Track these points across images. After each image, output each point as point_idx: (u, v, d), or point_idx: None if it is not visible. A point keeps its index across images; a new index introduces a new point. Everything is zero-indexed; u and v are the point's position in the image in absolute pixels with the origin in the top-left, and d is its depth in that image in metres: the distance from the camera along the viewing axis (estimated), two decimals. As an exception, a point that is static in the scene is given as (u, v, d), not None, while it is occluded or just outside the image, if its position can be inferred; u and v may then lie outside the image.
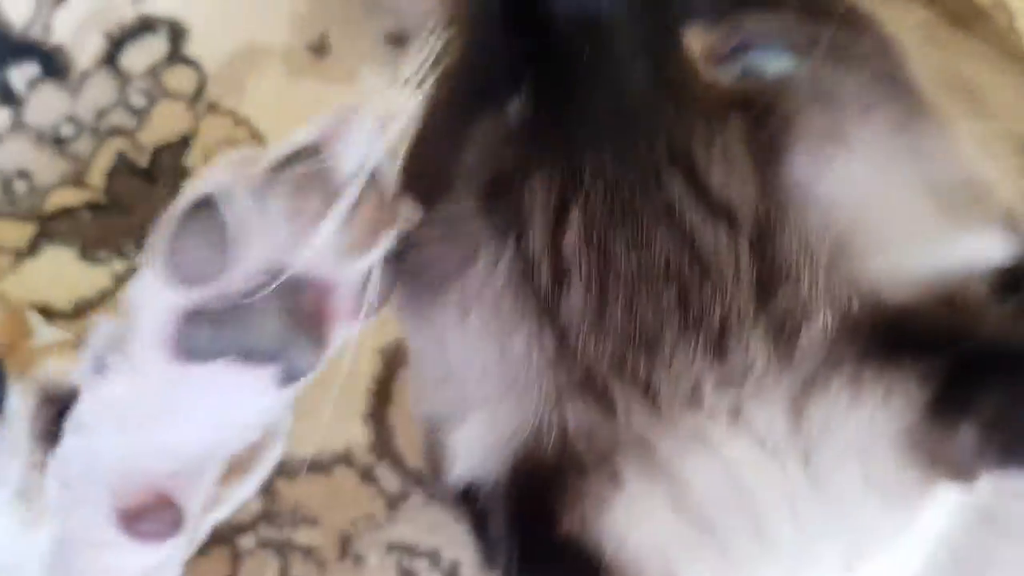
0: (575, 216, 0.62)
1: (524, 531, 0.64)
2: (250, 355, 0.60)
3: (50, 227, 1.22)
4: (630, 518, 0.62)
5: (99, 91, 1.27)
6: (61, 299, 1.19)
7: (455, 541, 1.06)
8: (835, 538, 0.63)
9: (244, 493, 0.74)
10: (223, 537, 1.07)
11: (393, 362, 1.11)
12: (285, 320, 0.61)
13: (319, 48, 1.27)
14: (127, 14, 1.31)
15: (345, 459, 1.09)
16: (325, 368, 0.73)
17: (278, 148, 0.65)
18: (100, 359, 0.66)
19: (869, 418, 0.60)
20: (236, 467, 0.73)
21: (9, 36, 1.30)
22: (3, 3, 1.32)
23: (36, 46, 1.30)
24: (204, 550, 0.94)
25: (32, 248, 1.21)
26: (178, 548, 0.71)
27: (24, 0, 1.32)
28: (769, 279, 0.60)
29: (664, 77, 0.64)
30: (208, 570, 1.06)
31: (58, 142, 1.25)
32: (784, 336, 0.59)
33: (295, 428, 1.00)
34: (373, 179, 0.63)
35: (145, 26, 1.30)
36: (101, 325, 0.67)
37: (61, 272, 1.20)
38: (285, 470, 1.06)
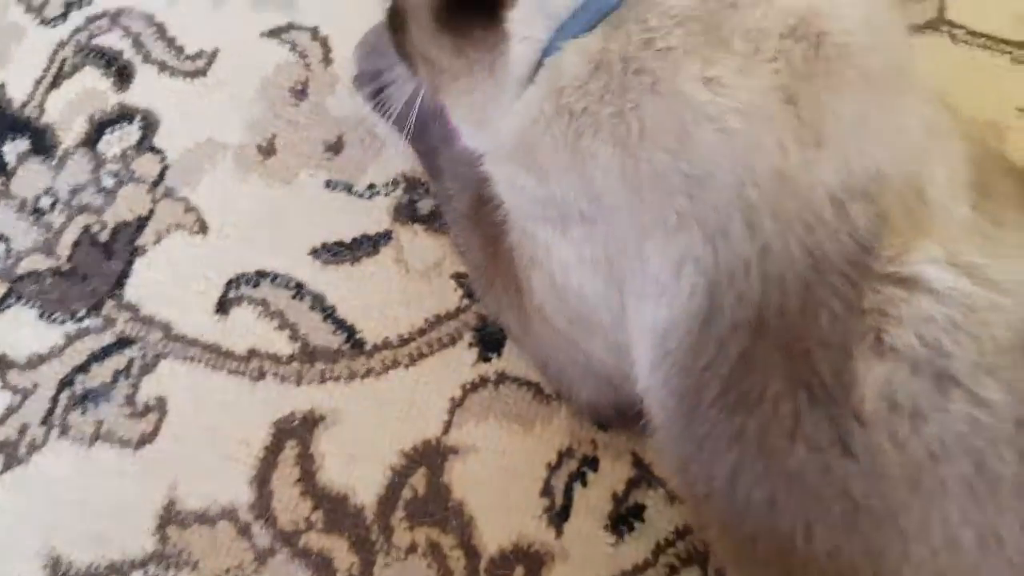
0: None
1: None
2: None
3: (19, 287, 1.43)
4: None
5: (77, 170, 1.51)
6: (18, 352, 1.40)
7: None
8: None
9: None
10: (119, 569, 1.26)
11: (283, 434, 1.32)
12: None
13: (267, 149, 1.49)
14: (111, 101, 1.56)
15: (228, 514, 1.24)
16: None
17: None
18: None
19: None
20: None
21: (8, 112, 1.55)
22: (8, 81, 1.57)
23: (29, 123, 1.55)
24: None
25: (0, 305, 1.41)
26: None
27: (25, 79, 1.58)
28: None
29: None
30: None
31: (36, 213, 1.48)
32: None
33: (190, 482, 1.24)
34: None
35: (124, 114, 1.54)
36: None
37: (21, 328, 1.41)
38: (178, 519, 1.28)
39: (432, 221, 1.42)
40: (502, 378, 1.29)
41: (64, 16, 1.63)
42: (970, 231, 0.83)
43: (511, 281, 1.13)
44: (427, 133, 1.34)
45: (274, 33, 1.58)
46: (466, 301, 1.34)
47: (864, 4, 0.87)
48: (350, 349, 1.32)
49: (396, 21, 1.07)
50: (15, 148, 1.53)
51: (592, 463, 1.24)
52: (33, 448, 1.31)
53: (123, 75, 1.57)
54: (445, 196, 1.35)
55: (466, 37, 0.95)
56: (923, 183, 0.83)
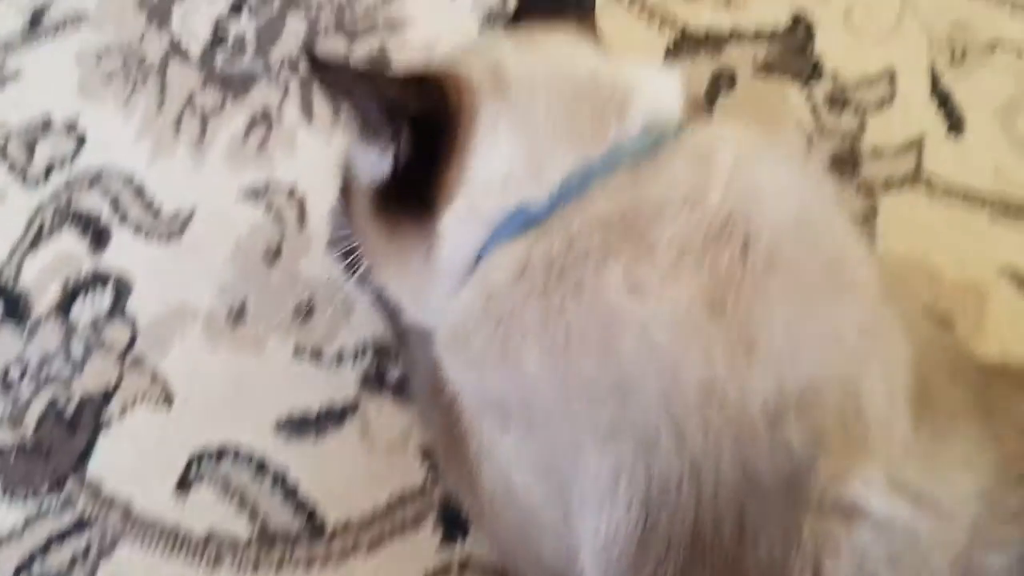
0: None
1: None
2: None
3: (-16, 462, 1.38)
4: None
5: (48, 338, 1.51)
6: (-20, 529, 1.35)
7: None
8: None
9: None
10: None
11: None
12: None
13: (237, 315, 1.48)
14: (85, 266, 1.56)
15: None
16: None
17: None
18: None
19: None
20: None
21: (-17, 278, 1.52)
22: (-15, 246, 1.55)
23: (5, 289, 1.55)
24: None
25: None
26: None
27: (2, 243, 1.59)
28: None
29: None
30: None
31: (5, 383, 1.47)
32: None
33: None
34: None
35: (97, 278, 1.54)
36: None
37: (-16, 505, 1.36)
38: None
39: (400, 391, 1.40)
40: (467, 565, 1.26)
41: (46, 177, 1.66)
42: (911, 449, 0.81)
43: (467, 466, 1.09)
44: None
45: (251, 193, 1.58)
46: (431, 478, 1.32)
47: (796, 197, 0.87)
48: (309, 533, 1.30)
49: (346, 188, 1.09)
50: (-12, 315, 1.48)
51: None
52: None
53: (99, 238, 1.58)
54: (412, 365, 1.34)
55: (400, 228, 0.98)
56: (861, 396, 0.80)
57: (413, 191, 0.94)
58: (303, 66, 1.69)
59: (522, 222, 0.90)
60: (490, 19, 1.67)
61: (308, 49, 1.67)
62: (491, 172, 0.91)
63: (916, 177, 1.48)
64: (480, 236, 0.92)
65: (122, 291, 1.53)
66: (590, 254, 0.83)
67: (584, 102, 0.92)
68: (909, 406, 0.83)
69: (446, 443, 1.17)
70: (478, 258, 0.93)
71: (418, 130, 0.93)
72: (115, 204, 1.59)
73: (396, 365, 1.41)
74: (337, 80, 0.94)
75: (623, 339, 0.80)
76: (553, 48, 0.99)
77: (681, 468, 0.79)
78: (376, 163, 0.97)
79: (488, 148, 0.91)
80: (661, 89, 0.97)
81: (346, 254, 1.27)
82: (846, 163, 1.50)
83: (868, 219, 1.43)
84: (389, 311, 1.38)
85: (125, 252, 1.56)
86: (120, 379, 1.46)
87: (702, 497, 0.79)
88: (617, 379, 0.81)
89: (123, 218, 1.57)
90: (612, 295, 0.81)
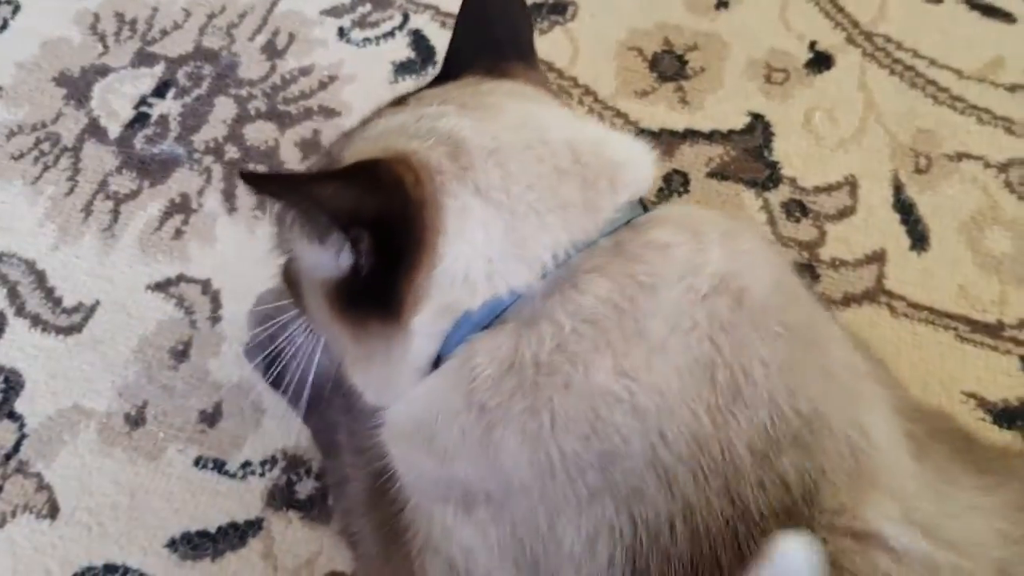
0: None
1: None
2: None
3: None
4: None
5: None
6: None
7: None
8: None
9: None
10: None
11: None
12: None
13: (136, 419, 1.37)
14: (-26, 361, 1.40)
15: None
16: None
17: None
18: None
19: None
20: None
21: None
22: None
23: None
24: None
25: None
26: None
27: None
28: None
29: None
30: None
31: None
32: None
33: None
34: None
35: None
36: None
37: None
38: None
39: (310, 508, 1.30)
40: None
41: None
42: (921, 487, 0.82)
43: (407, 566, 1.02)
44: (326, 407, 1.25)
45: (161, 286, 1.49)
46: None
47: (773, 269, 0.89)
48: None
49: (290, 279, 1.03)
50: None
51: None
52: None
53: (-8, 329, 1.42)
54: (340, 476, 1.24)
55: (363, 323, 0.91)
56: (864, 428, 0.82)
57: (377, 293, 0.87)
58: (228, 152, 1.61)
59: (496, 309, 0.86)
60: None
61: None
62: (467, 266, 0.85)
63: (877, 292, 1.42)
64: (450, 324, 0.88)
65: (12, 388, 1.43)
66: (579, 355, 0.82)
67: (569, 176, 0.88)
68: (908, 443, 0.85)
69: (380, 552, 1.11)
70: (451, 345, 0.88)
71: (377, 233, 0.85)
72: (13, 293, 1.50)
73: (309, 478, 1.28)
74: (279, 192, 0.88)
75: (611, 413, 0.80)
76: (511, 110, 0.92)
77: (671, 510, 0.79)
78: (329, 263, 0.90)
79: (460, 240, 0.85)
80: (642, 160, 0.94)
81: (268, 363, 1.23)
82: (804, 274, 1.43)
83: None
84: (320, 421, 1.31)
85: (19, 346, 1.47)
86: (1, 486, 1.35)
87: (697, 535, 0.79)
88: (601, 449, 0.80)
89: (19, 309, 1.48)
90: (600, 380, 0.81)
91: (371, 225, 0.85)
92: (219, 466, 1.31)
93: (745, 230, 0.91)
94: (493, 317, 0.86)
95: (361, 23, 1.81)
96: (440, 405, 0.87)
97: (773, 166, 1.55)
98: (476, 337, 0.85)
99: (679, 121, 1.62)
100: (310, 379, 1.09)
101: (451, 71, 1.03)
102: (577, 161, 0.88)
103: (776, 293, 0.86)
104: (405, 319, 0.87)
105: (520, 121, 0.92)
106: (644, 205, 0.92)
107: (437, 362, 0.89)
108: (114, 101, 1.72)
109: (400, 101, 1.00)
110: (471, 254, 0.86)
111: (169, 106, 1.70)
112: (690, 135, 1.60)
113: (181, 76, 1.75)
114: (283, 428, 1.36)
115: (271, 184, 0.90)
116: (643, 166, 0.94)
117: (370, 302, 0.89)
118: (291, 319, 1.07)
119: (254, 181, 0.85)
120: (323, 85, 1.72)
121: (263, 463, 1.34)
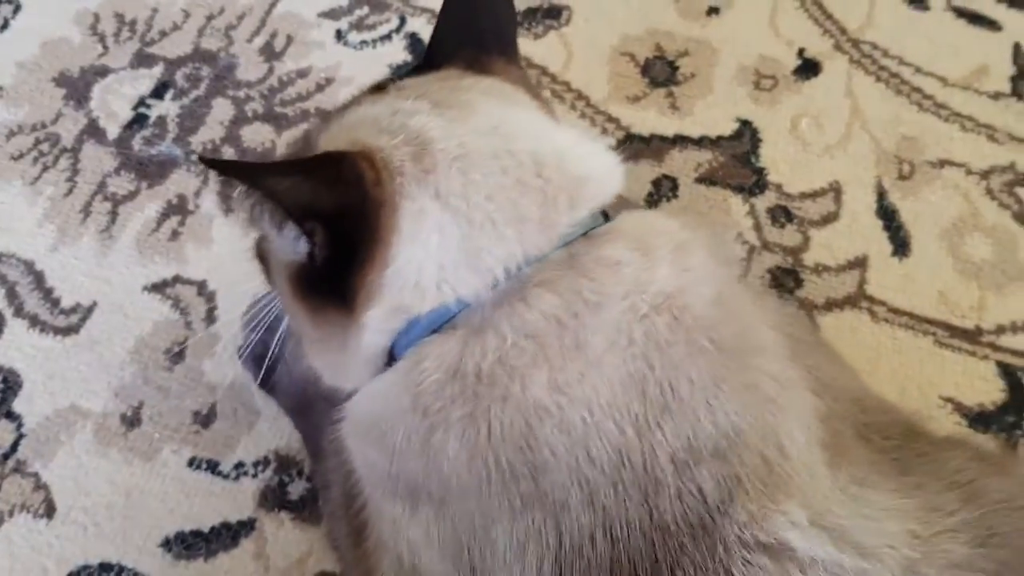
0: None
1: None
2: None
3: None
4: None
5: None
6: None
7: None
8: None
9: None
10: None
11: None
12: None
13: (132, 420, 1.40)
14: (-26, 359, 1.44)
15: None
16: None
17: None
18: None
19: None
20: None
21: None
22: None
23: None
24: None
25: None
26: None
27: None
28: None
29: None
30: None
31: None
32: None
33: None
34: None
35: (-15, 376, 1.42)
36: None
37: None
38: None
39: (302, 508, 1.33)
40: None
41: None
42: (833, 492, 0.84)
43: (366, 563, 1.06)
44: (313, 412, 1.28)
45: (158, 287, 1.52)
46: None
47: (715, 283, 0.91)
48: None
49: (261, 255, 1.05)
50: None
51: None
52: None
53: (-10, 329, 1.45)
54: (324, 481, 1.27)
55: (320, 308, 0.94)
56: (780, 439, 0.85)
57: (332, 283, 0.89)
58: (226, 153, 1.65)
59: (452, 315, 0.88)
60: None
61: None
62: (418, 270, 0.87)
63: (859, 297, 1.45)
64: (407, 328, 0.90)
65: (10, 388, 1.46)
66: (518, 368, 0.84)
67: (530, 189, 0.89)
68: (825, 453, 0.87)
69: (353, 559, 1.12)
70: (403, 344, 0.91)
71: (332, 225, 0.87)
72: (11, 293, 1.53)
73: (301, 479, 1.33)
74: (237, 179, 0.88)
75: (542, 428, 0.83)
76: (484, 112, 0.93)
77: (592, 523, 0.82)
78: (290, 246, 0.92)
79: (413, 243, 0.87)
80: (607, 174, 0.95)
81: (260, 366, 1.28)
82: (787, 278, 1.47)
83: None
84: (308, 425, 1.34)
85: (17, 346, 1.50)
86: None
87: (617, 543, 0.82)
88: (533, 461, 0.83)
89: (18, 310, 1.51)
90: (534, 394, 0.84)
91: (327, 219, 0.87)
92: (213, 467, 1.34)
93: (697, 243, 0.93)
94: (441, 323, 0.88)
95: (358, 26, 1.82)
96: (391, 404, 0.89)
97: (760, 172, 1.58)
98: (428, 340, 0.87)
99: (669, 126, 1.64)
100: (302, 383, 1.15)
101: (434, 60, 1.04)
102: (539, 175, 0.90)
103: (713, 309, 0.88)
104: (358, 313, 0.89)
105: (491, 126, 0.92)
106: (606, 214, 0.93)
107: (392, 355, 0.92)
108: (113, 102, 1.74)
109: (381, 88, 1.02)
110: (423, 258, 0.87)
111: (167, 107, 1.72)
112: (680, 140, 1.63)
113: (179, 77, 1.77)
114: (276, 430, 1.39)
115: (230, 170, 0.93)
116: (608, 180, 0.95)
117: (327, 290, 0.92)
118: (278, 319, 1.09)
119: (215, 166, 0.87)
120: (320, 87, 1.74)
121: (256, 464, 1.36)
